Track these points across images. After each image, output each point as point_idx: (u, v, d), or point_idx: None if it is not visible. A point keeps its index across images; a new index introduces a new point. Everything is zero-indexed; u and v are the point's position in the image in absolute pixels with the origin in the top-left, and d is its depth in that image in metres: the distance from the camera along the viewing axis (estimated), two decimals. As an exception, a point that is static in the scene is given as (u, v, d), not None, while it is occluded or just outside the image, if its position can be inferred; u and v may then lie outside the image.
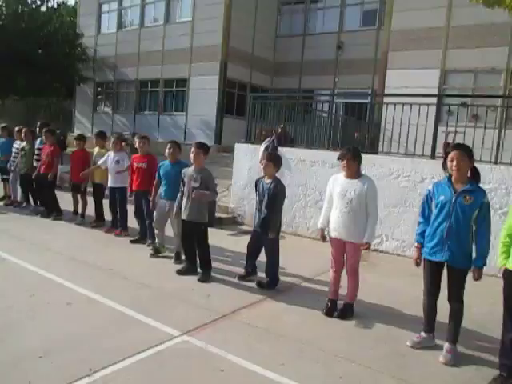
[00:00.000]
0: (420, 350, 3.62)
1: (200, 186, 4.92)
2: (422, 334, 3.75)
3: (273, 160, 4.92)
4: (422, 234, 3.74)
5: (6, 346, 3.21)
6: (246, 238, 7.05)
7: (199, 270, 5.12)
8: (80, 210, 7.66)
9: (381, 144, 9.89)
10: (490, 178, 6.09)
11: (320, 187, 7.66)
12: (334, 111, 10.45)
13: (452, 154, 3.48)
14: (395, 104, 7.30)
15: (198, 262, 5.13)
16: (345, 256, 4.26)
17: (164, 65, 19.31)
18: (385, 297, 4.82)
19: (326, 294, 4.47)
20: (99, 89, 22.69)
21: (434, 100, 7.69)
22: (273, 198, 4.78)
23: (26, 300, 4.07)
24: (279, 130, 8.78)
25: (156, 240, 5.96)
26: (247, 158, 8.58)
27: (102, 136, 7.30)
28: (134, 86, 20.75)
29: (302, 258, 6.43)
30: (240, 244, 6.59)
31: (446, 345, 3.54)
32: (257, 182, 5.09)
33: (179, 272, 5.14)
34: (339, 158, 4.19)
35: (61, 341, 3.32)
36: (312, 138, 9.11)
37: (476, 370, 3.35)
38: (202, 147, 5.04)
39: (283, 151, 8.17)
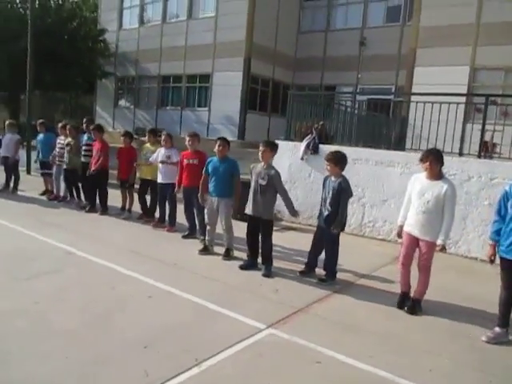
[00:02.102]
0: (496, 346, 3.75)
1: (267, 184, 5.07)
2: (497, 329, 3.87)
3: (334, 160, 5.01)
4: (497, 232, 3.85)
5: (109, 336, 3.38)
6: (291, 234, 7.22)
7: (261, 264, 5.27)
8: (127, 206, 7.84)
9: (409, 141, 9.98)
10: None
11: (363, 184, 7.78)
12: (367, 109, 10.56)
13: (533, 156, 3.58)
14: (424, 103, 7.40)
15: (260, 257, 5.28)
16: (417, 252, 4.39)
17: (187, 60, 19.46)
18: (445, 293, 4.92)
19: (390, 289, 4.61)
20: (120, 84, 22.90)
21: (465, 99, 7.78)
22: (337, 195, 4.92)
23: (109, 293, 4.25)
24: (318, 128, 8.87)
25: (207, 237, 5.98)
26: (287, 155, 8.69)
27: (153, 132, 7.45)
28: (156, 81, 20.94)
29: (349, 254, 6.49)
30: (286, 239, 6.76)
31: (523, 340, 3.66)
32: (324, 180, 5.23)
33: (242, 267, 5.30)
34: (421, 160, 4.30)
35: (157, 332, 3.49)
36: (350, 135, 9.24)
37: (556, 365, 3.47)
38: (270, 145, 5.18)
39: (324, 148, 8.29)
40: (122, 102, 23.07)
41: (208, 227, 5.91)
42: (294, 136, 8.95)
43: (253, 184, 5.22)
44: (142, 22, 21.61)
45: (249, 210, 5.21)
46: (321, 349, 3.40)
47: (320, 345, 3.46)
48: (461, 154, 7.61)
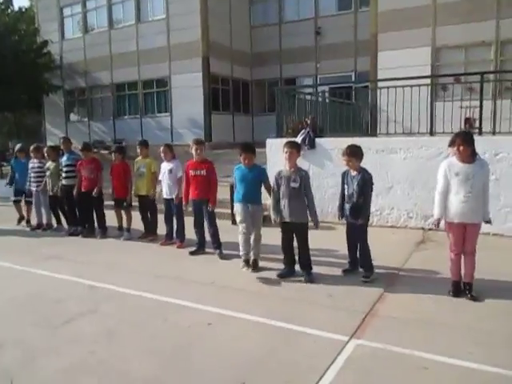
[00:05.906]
0: None
1: (300, 186, 4.84)
2: None
3: (353, 155, 4.91)
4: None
5: (200, 378, 3.02)
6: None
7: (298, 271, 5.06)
8: (125, 225, 7.33)
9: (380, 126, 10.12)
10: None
11: (365, 174, 7.72)
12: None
13: None
14: (403, 87, 7.59)
15: (298, 263, 5.06)
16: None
17: (141, 65, 18.71)
18: (483, 272, 4.79)
19: (435, 276, 4.54)
20: (70, 97, 21.68)
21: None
22: (363, 188, 4.83)
23: (164, 327, 3.86)
24: (307, 122, 8.72)
25: (244, 250, 5.44)
26: (281, 153, 8.45)
27: (145, 145, 6.99)
28: (110, 91, 19.99)
29: (371, 246, 6.42)
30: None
31: None
32: (344, 176, 5.08)
33: (281, 276, 5.05)
34: (450, 145, 4.23)
35: (244, 365, 3.16)
36: (338, 125, 9.19)
37: None
38: (296, 146, 4.96)
39: (321, 141, 8.16)
40: (74, 116, 21.87)
41: (244, 237, 5.39)
42: (286, 132, 8.75)
43: (283, 189, 4.97)
44: (86, 30, 20.52)
45: (285, 215, 4.95)
46: (418, 353, 3.23)
47: (414, 348, 3.29)
48: (431, 133, 7.83)
